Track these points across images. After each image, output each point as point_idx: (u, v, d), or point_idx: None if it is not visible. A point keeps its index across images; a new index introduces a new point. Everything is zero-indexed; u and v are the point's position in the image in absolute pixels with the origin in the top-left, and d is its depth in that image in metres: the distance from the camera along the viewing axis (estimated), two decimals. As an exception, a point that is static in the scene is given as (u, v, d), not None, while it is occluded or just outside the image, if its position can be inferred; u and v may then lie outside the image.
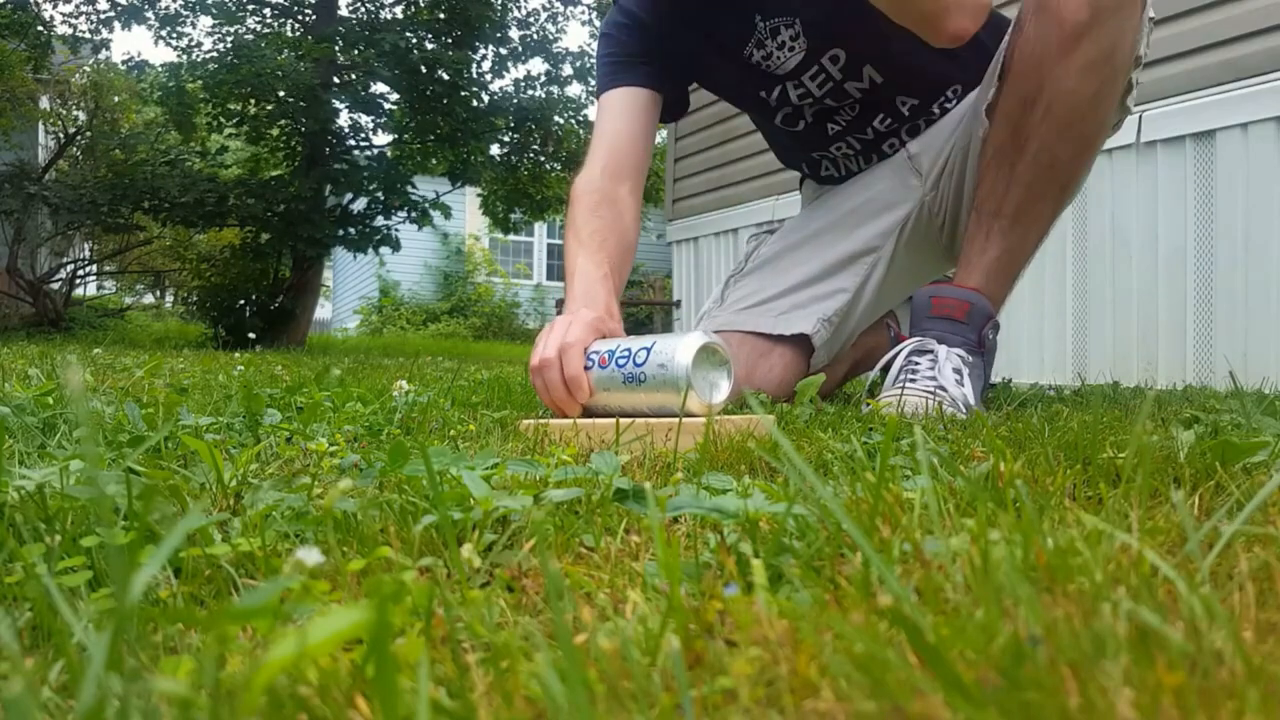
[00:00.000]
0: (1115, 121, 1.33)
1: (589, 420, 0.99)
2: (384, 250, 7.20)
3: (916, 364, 1.26)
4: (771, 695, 0.28)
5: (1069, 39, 1.18)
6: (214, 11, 7.25)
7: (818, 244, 1.55)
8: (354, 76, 7.28)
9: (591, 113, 7.12)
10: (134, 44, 57.86)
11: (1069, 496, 0.60)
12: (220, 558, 0.46)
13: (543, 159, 7.93)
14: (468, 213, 12.62)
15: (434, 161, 7.79)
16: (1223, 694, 0.24)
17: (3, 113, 7.17)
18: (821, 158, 1.63)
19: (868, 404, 1.21)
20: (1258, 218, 2.42)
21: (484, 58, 7.70)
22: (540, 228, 14.00)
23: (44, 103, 8.19)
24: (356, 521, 0.51)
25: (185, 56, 7.37)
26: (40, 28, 6.83)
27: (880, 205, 1.52)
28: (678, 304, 5.01)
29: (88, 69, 8.09)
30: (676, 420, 0.85)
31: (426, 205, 7.33)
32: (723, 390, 1.03)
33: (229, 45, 7.03)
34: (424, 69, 7.03)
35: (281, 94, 6.84)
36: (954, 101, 1.50)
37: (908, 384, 1.22)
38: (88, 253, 8.72)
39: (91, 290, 10.28)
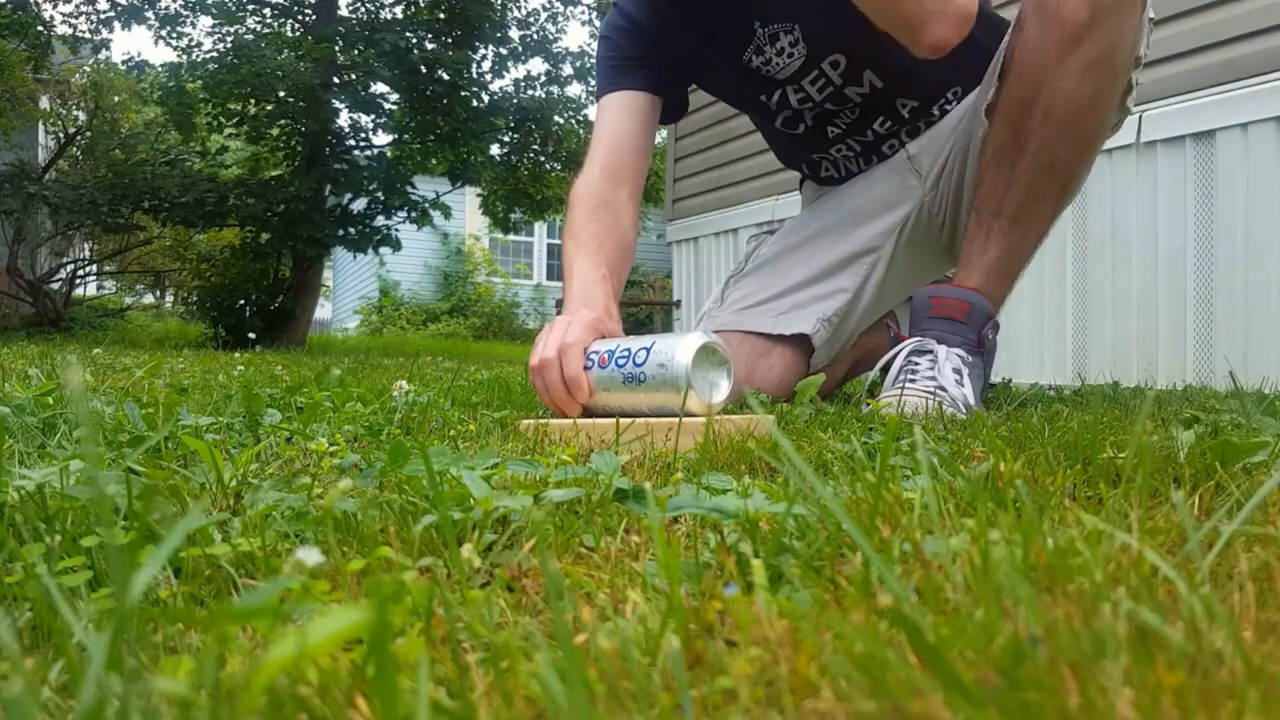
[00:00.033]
0: (1115, 122, 1.33)
1: (589, 420, 0.99)
2: (384, 250, 7.20)
3: (916, 364, 1.26)
4: (771, 695, 0.28)
5: (1069, 39, 1.18)
6: (214, 11, 7.25)
7: (818, 244, 1.55)
8: (354, 76, 7.28)
9: (591, 112, 7.10)
10: (134, 44, 57.90)
11: (1069, 496, 0.60)
12: (220, 558, 0.46)
13: (543, 159, 7.94)
14: (468, 213, 12.62)
15: (434, 161, 7.79)
16: (1223, 694, 0.24)
17: (3, 113, 7.17)
18: (821, 159, 1.63)
19: (868, 404, 1.21)
20: (1258, 218, 2.42)
21: (484, 58, 7.70)
22: (540, 228, 14.00)
23: (44, 103, 8.19)
24: (356, 521, 0.51)
25: (185, 56, 7.37)
26: (40, 28, 6.83)
27: (880, 206, 1.52)
28: (678, 304, 5.01)
29: (88, 69, 8.09)
30: (676, 420, 0.85)
31: (426, 205, 7.33)
32: (723, 390, 1.03)
33: (229, 45, 7.03)
34: (424, 69, 7.03)
35: (281, 94, 6.84)
36: (954, 103, 1.50)
37: (907, 384, 1.22)
38: (88, 253, 8.72)
39: (91, 290, 10.28)
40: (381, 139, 7.85)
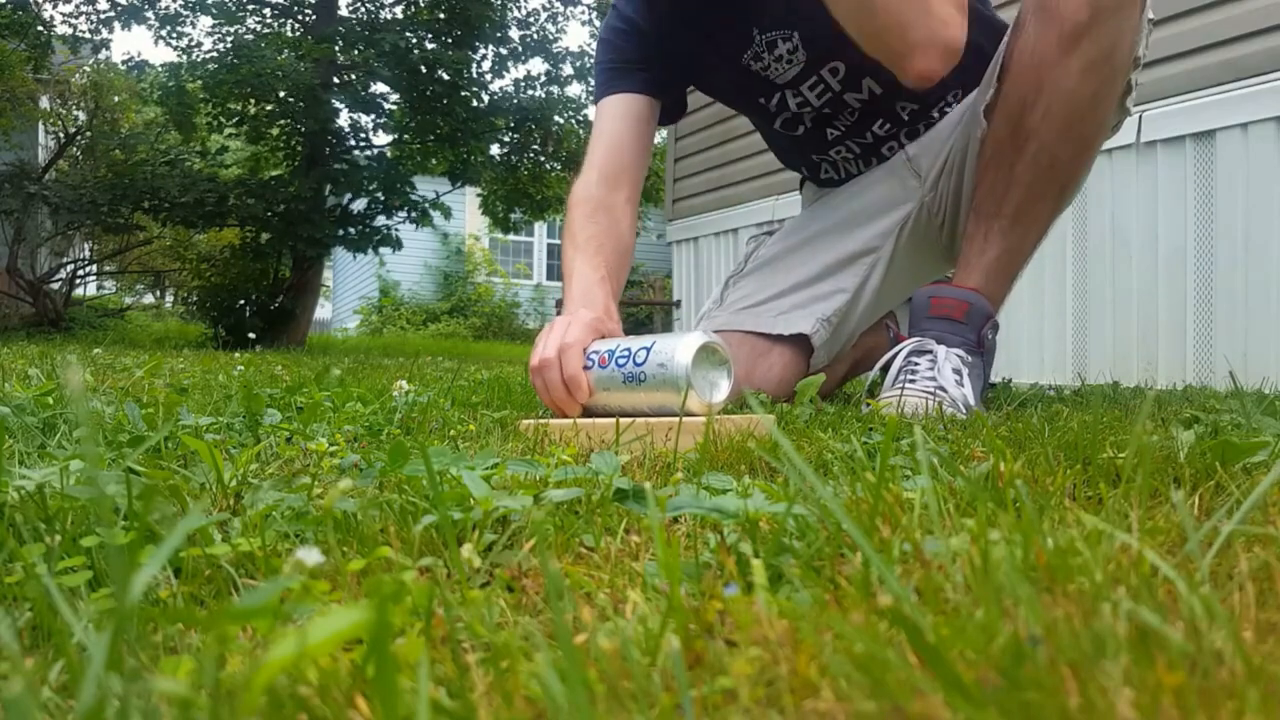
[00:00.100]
0: (1115, 122, 1.34)
1: (589, 420, 0.99)
2: (384, 250, 7.20)
3: (916, 364, 1.26)
4: (771, 695, 0.28)
5: (1068, 39, 1.18)
6: (214, 11, 7.25)
7: (817, 245, 1.55)
8: (354, 76, 7.28)
9: (591, 112, 7.11)
10: (134, 44, 57.90)
11: (1069, 496, 0.60)
12: (220, 558, 0.46)
13: (543, 159, 7.94)
14: (468, 213, 12.62)
15: (434, 161, 7.79)
16: (1223, 694, 0.24)
17: (3, 113, 7.17)
18: (820, 160, 1.63)
19: (868, 404, 1.21)
20: (1258, 218, 2.42)
21: (484, 58, 7.71)
22: (540, 228, 14.00)
23: (44, 103, 8.19)
24: (356, 521, 0.51)
25: (185, 56, 7.36)
26: (40, 28, 6.83)
27: (880, 206, 1.52)
28: (678, 304, 5.01)
29: (88, 69, 8.09)
30: (676, 420, 0.85)
31: (426, 205, 7.33)
32: (723, 390, 1.03)
33: (229, 45, 7.03)
34: (424, 69, 7.03)
35: (281, 94, 6.84)
36: (953, 104, 1.50)
37: (907, 384, 1.22)
38: (88, 253, 8.73)
39: (91, 290, 10.28)
40: (381, 139, 7.86)
